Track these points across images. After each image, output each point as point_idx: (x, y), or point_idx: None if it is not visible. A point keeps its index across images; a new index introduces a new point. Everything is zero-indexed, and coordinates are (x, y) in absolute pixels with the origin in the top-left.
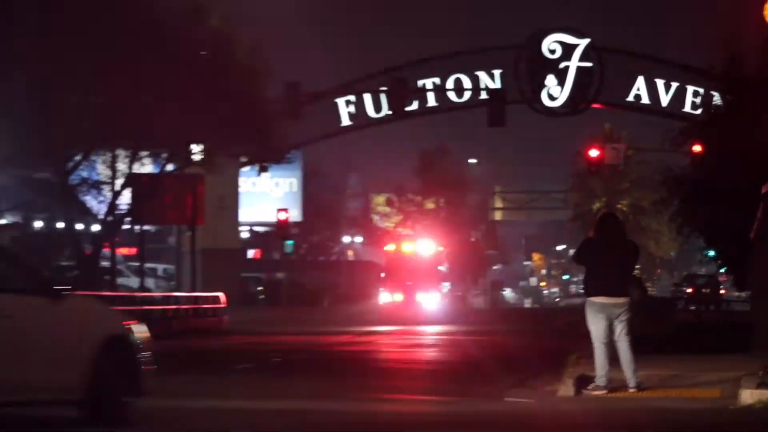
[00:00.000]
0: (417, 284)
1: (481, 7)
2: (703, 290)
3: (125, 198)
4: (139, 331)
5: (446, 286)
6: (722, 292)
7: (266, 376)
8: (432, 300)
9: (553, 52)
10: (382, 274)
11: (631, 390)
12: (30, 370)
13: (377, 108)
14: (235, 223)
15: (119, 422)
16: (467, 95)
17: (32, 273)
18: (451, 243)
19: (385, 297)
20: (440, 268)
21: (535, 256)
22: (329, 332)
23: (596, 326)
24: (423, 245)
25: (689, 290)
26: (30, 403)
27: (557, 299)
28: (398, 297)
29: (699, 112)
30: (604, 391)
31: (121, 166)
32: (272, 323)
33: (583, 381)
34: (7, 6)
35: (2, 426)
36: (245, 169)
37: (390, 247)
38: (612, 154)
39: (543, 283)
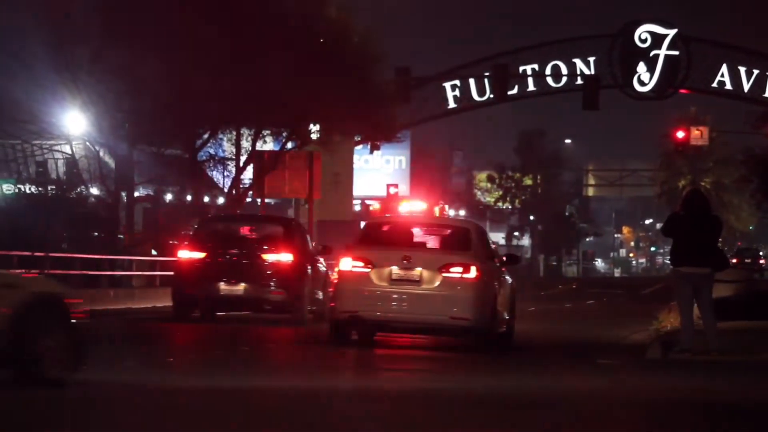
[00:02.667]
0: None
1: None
2: (746, 260)
3: (248, 173)
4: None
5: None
6: (761, 262)
7: None
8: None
9: (644, 41)
10: None
11: (713, 353)
12: None
13: (481, 92)
14: (349, 197)
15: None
16: (564, 80)
17: None
18: (547, 216)
19: None
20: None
21: (625, 230)
22: None
23: (682, 294)
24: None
25: (734, 261)
26: None
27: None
28: None
29: None
30: (689, 354)
31: (245, 143)
32: None
33: (670, 344)
34: None
35: None
36: (359, 147)
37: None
38: (697, 135)
39: (632, 254)
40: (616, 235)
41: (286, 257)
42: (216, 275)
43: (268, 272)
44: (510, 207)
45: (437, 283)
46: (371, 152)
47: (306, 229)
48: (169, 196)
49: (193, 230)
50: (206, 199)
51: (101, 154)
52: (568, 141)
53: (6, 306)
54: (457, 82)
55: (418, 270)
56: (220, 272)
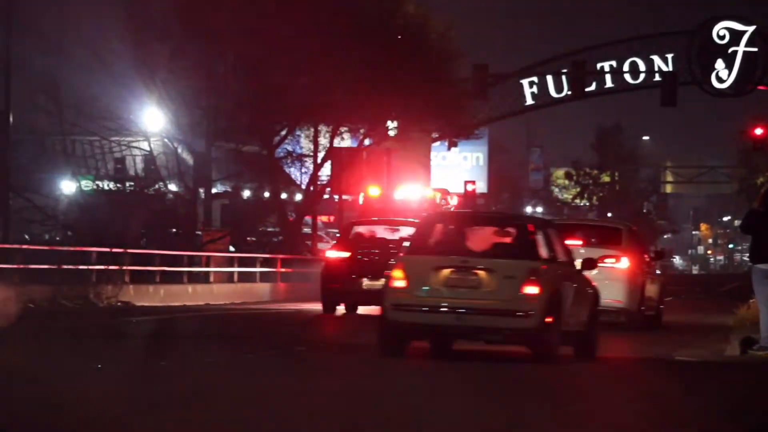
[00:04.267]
0: None
1: None
2: None
3: (326, 170)
4: None
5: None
6: None
7: None
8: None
9: (722, 37)
10: None
11: None
12: None
13: (558, 88)
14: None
15: None
16: (642, 77)
17: None
18: (625, 213)
19: None
20: None
21: (703, 227)
22: None
23: (761, 291)
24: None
25: None
26: None
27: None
28: None
29: None
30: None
31: (323, 140)
32: None
33: (749, 342)
34: None
35: None
36: (436, 144)
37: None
38: None
39: (710, 252)
40: (693, 232)
41: None
42: (359, 272)
43: None
44: (587, 204)
45: (594, 272)
46: (449, 149)
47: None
48: (246, 193)
49: (339, 233)
50: (284, 195)
51: (179, 150)
52: (645, 138)
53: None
54: (534, 78)
55: (578, 262)
56: (363, 269)
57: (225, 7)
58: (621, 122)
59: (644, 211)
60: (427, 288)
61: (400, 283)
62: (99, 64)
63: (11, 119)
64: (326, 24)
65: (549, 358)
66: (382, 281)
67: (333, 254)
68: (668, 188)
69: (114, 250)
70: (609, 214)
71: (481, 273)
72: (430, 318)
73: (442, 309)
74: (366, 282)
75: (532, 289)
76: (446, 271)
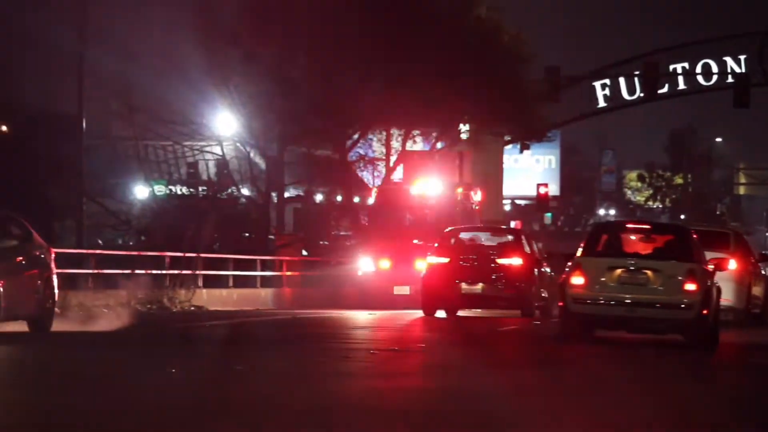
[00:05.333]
0: None
1: None
2: None
3: (398, 173)
4: None
5: None
6: None
7: None
8: None
9: None
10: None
11: None
12: None
13: (631, 91)
14: (499, 197)
15: None
16: (714, 78)
17: None
18: (698, 215)
19: None
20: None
21: None
22: None
23: None
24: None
25: None
26: None
27: None
28: None
29: None
30: None
31: (395, 144)
32: None
33: None
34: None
35: None
36: (508, 146)
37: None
38: None
39: None
40: (767, 234)
41: (516, 261)
42: (458, 277)
43: (502, 274)
44: (660, 206)
45: None
46: (521, 152)
47: (532, 236)
48: (319, 197)
49: (438, 240)
50: (356, 199)
51: (251, 155)
52: (718, 139)
53: None
54: (607, 81)
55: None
56: (461, 274)
57: (296, 13)
58: (693, 124)
59: (717, 213)
60: (602, 285)
61: (578, 280)
62: (171, 69)
63: (84, 124)
64: (398, 28)
65: (703, 346)
66: (480, 286)
67: (433, 260)
68: (741, 190)
69: (187, 254)
70: (682, 216)
71: (649, 273)
72: (605, 310)
73: (615, 303)
74: (465, 286)
75: (691, 286)
76: (618, 271)
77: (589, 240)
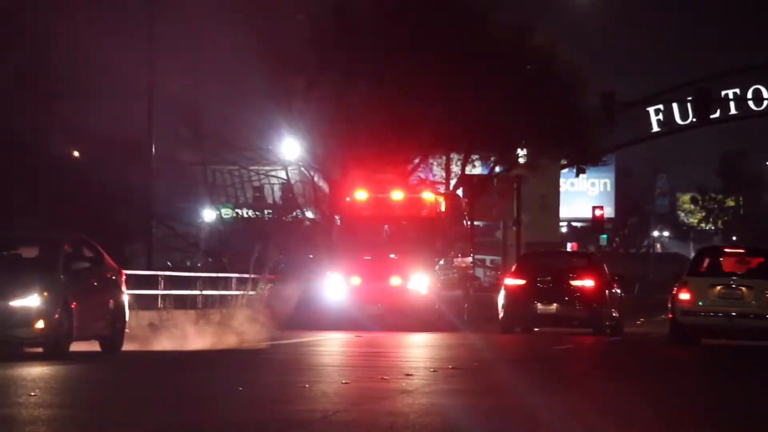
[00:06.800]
0: None
1: None
2: None
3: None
4: None
5: None
6: None
7: None
8: None
9: None
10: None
11: None
12: None
13: (684, 116)
14: (556, 219)
15: None
16: (765, 104)
17: None
18: (750, 236)
19: None
20: None
21: None
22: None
23: None
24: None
25: None
26: None
27: None
28: None
29: None
30: None
31: (455, 167)
32: None
33: None
34: (352, 26)
35: None
36: (564, 170)
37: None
38: None
39: None
40: None
41: (588, 283)
42: (534, 297)
43: (575, 295)
44: (713, 228)
45: None
46: (577, 175)
47: (603, 259)
48: None
49: (516, 263)
50: None
51: (315, 179)
52: None
53: None
54: (660, 106)
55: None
56: (537, 295)
57: (358, 41)
58: (744, 147)
59: None
60: (705, 300)
61: (685, 296)
62: (237, 96)
63: (153, 149)
64: (458, 56)
65: None
66: (554, 306)
67: (511, 281)
68: None
69: (253, 275)
70: (734, 238)
71: (744, 289)
72: (708, 320)
73: (717, 314)
74: (540, 306)
75: None
76: (719, 288)
77: (694, 262)
